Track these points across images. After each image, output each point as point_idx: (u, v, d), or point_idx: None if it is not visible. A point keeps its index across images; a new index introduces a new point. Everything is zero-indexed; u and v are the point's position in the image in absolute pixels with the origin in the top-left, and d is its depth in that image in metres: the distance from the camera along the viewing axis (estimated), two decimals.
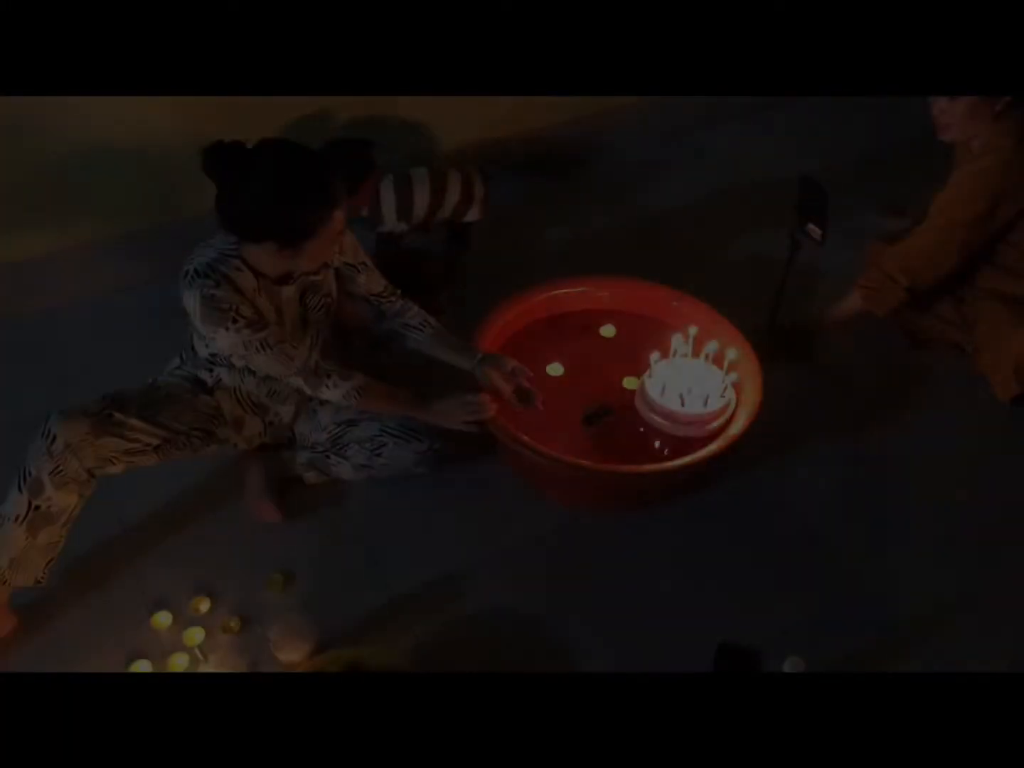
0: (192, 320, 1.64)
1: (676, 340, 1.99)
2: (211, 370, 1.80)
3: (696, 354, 2.00)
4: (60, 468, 1.61)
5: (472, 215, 2.31)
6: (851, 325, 2.26)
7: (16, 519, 1.61)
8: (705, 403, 1.90)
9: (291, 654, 1.61)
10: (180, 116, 2.22)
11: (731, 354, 1.97)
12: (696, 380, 1.94)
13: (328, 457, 1.92)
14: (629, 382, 2.03)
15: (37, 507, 1.61)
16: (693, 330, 2.00)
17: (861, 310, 2.16)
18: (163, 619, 1.72)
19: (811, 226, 2.03)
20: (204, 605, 1.74)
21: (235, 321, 1.61)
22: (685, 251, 2.62)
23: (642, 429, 1.95)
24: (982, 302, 2.14)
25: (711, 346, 1.98)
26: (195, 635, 1.69)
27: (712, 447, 1.84)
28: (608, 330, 2.17)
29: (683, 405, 1.89)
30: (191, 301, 1.60)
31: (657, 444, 1.93)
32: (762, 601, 1.79)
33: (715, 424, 1.91)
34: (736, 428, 1.87)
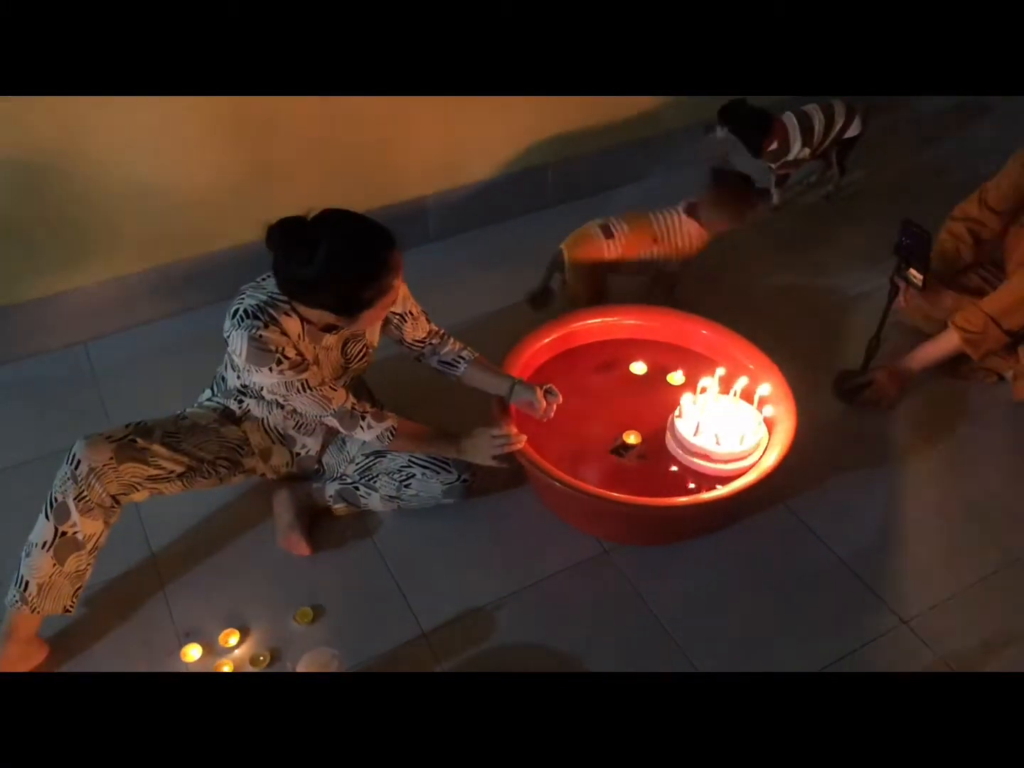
0: (235, 358, 1.64)
1: (705, 379, 1.98)
2: (241, 401, 1.81)
3: (726, 391, 1.99)
4: (84, 494, 1.61)
5: (853, 130, 2.75)
6: (937, 369, 2.20)
7: (43, 546, 1.61)
8: (741, 441, 1.88)
9: None
10: (209, 155, 2.25)
11: (764, 389, 1.95)
12: (728, 418, 1.93)
13: (357, 488, 1.91)
14: (629, 436, 1.99)
15: (63, 533, 1.61)
16: (720, 370, 1.99)
17: (955, 352, 2.11)
18: (193, 652, 1.70)
19: (912, 271, 2.02)
20: (234, 638, 1.73)
21: (280, 363, 1.61)
22: (742, 291, 2.58)
23: (675, 468, 1.94)
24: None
25: (742, 382, 1.97)
26: (225, 669, 1.68)
27: (743, 481, 1.82)
28: (639, 367, 2.15)
29: (718, 444, 1.88)
30: (238, 341, 1.60)
31: (689, 480, 1.92)
32: (798, 637, 1.76)
33: (747, 462, 1.89)
34: (769, 461, 1.85)
